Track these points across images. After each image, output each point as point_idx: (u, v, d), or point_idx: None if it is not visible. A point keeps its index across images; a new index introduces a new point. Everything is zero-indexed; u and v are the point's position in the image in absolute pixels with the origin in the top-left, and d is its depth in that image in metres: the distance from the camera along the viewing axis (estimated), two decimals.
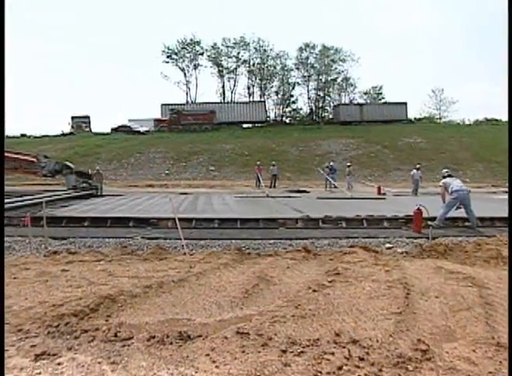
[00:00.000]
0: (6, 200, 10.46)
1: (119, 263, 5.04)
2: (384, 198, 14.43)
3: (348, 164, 22.34)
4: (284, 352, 2.63)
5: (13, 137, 40.43)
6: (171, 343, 2.76)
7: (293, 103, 53.49)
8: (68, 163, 16.69)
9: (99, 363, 2.50)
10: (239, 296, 3.74)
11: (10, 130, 42.11)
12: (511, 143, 6.83)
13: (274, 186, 21.93)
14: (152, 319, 3.18)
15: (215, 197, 14.77)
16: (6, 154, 16.68)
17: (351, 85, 54.27)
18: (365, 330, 2.97)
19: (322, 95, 53.07)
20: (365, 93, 55.83)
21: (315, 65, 51.43)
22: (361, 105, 45.07)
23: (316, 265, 5.13)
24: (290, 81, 52.40)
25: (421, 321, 3.13)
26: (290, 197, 15.59)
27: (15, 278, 4.35)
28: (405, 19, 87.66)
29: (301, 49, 51.38)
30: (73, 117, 44.07)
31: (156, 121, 42.58)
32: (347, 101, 52.29)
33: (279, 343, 2.75)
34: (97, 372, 2.38)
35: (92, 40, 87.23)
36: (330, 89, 53.37)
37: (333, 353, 2.59)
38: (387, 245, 6.48)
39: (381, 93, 55.97)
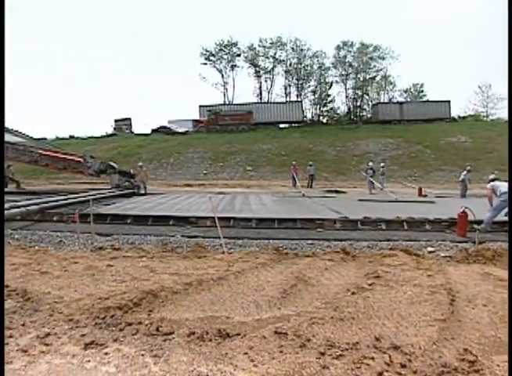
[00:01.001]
0: (57, 198, 11.11)
1: (160, 260, 5.20)
2: (433, 201, 13.41)
3: (382, 164, 21.66)
4: (323, 354, 2.61)
5: (63, 138, 42.83)
6: (211, 340, 2.81)
7: (331, 102, 52.72)
8: (112, 163, 17.43)
9: (142, 355, 2.60)
10: (277, 296, 3.75)
11: (60, 132, 44.70)
12: (511, 143, 6.66)
13: (311, 187, 21.73)
14: (192, 315, 3.26)
15: (252, 196, 14.85)
16: (56, 154, 17.74)
17: (391, 83, 52.74)
18: (406, 336, 2.88)
19: (360, 94, 51.91)
20: (406, 91, 54.08)
21: (352, 63, 50.38)
22: (401, 103, 43.48)
23: (355, 268, 5.03)
24: (327, 80, 51.70)
25: (468, 330, 2.99)
26: (327, 197, 15.38)
27: (66, 271, 4.63)
28: (448, 12, 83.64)
29: (338, 48, 50.54)
30: (116, 120, 46.12)
31: (195, 121, 43.48)
32: (386, 100, 50.82)
33: (318, 345, 2.74)
34: (140, 364, 2.48)
35: (133, 44, 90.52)
36: (369, 88, 52.04)
37: (373, 358, 2.53)
38: (430, 249, 6.24)
39: (422, 91, 54.04)
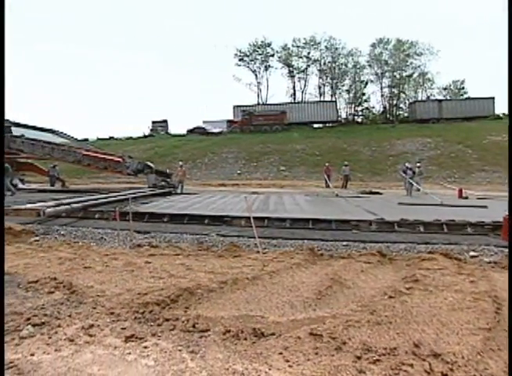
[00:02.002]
0: (99, 196, 11.60)
1: (196, 258, 5.31)
2: (485, 206, 11.60)
3: (418, 164, 20.86)
4: (359, 358, 2.56)
5: (103, 139, 44.66)
6: (246, 339, 2.84)
7: (366, 101, 51.62)
8: (149, 163, 17.96)
9: (180, 350, 2.66)
10: (312, 297, 3.72)
11: (100, 133, 46.77)
12: (511, 143, 6.27)
13: (345, 187, 21.36)
14: (227, 313, 3.30)
15: (286, 196, 14.81)
16: (97, 155, 18.53)
17: (429, 81, 50.80)
18: (448, 343, 2.77)
19: (396, 92, 50.40)
20: (445, 88, 51.90)
21: (388, 61, 48.99)
22: (440, 101, 41.73)
23: (392, 271, 4.90)
24: (362, 78, 50.65)
25: None
26: (362, 198, 15.06)
27: (107, 266, 4.83)
28: (493, 4, 79.39)
29: (373, 45, 49.36)
30: (153, 122, 47.59)
31: (229, 122, 43.97)
32: (424, 98, 48.99)
33: (354, 348, 2.69)
34: (178, 359, 2.54)
35: (170, 47, 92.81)
36: (405, 86, 50.41)
37: (411, 365, 2.45)
38: (472, 253, 5.95)
39: (463, 88, 51.67)
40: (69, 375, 2.32)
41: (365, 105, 51.81)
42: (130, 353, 2.61)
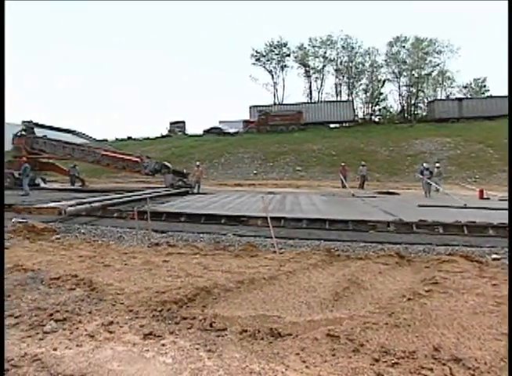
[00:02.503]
0: (117, 196, 11.80)
1: (213, 258, 5.35)
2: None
3: (437, 164, 20.43)
4: (377, 360, 2.52)
5: (121, 140, 45.41)
6: (262, 338, 2.84)
7: (383, 100, 50.83)
8: (166, 163, 18.18)
9: (197, 349, 2.68)
10: (329, 298, 3.69)
11: (118, 134, 47.68)
12: (511, 143, 6.15)
13: (362, 187, 21.12)
14: (244, 313, 3.31)
15: (302, 196, 14.75)
16: (116, 155, 18.86)
17: (449, 79, 49.58)
18: (469, 348, 2.70)
19: (414, 91, 49.42)
20: (465, 87, 50.55)
21: (406, 59, 48.12)
22: (460, 100, 40.70)
23: (411, 272, 4.82)
24: (379, 78, 49.90)
25: None
26: (379, 198, 14.87)
27: (125, 264, 4.91)
28: None
29: (390, 44, 48.52)
30: (171, 123, 48.16)
31: (245, 122, 44.04)
32: (443, 96, 47.86)
33: (372, 351, 2.65)
34: (195, 357, 2.56)
35: (187, 48, 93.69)
36: (424, 85, 49.40)
37: (431, 369, 2.41)
38: (494, 256, 5.80)
39: (485, 86, 50.27)
40: (90, 370, 2.36)
41: (383, 104, 51.12)
42: (148, 350, 2.65)
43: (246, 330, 2.94)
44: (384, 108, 51.30)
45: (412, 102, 50.17)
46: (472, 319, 3.22)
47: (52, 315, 3.17)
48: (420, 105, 50.09)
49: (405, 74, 48.98)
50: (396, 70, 49.09)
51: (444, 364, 2.46)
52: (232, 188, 21.59)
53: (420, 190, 18.27)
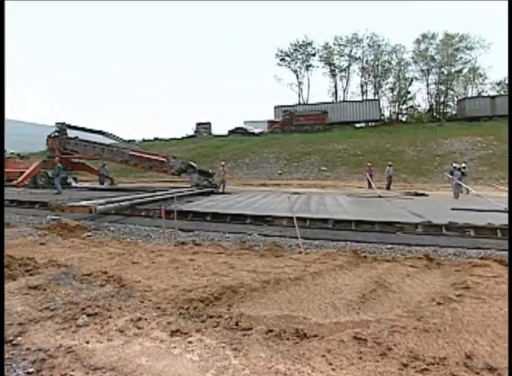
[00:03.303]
0: (145, 195, 12.07)
1: (238, 257, 5.37)
2: None
3: (463, 164, 19.71)
4: (405, 365, 2.46)
5: (148, 140, 46.44)
6: (288, 339, 2.83)
7: (411, 99, 49.80)
8: (192, 163, 18.44)
9: (223, 347, 2.70)
10: (356, 300, 3.64)
11: (146, 135, 48.91)
12: (511, 143, 5.81)
13: (389, 188, 20.68)
14: (269, 313, 3.31)
15: (328, 197, 14.61)
16: (143, 155, 19.31)
17: (480, 76, 47.88)
18: (504, 358, 2.57)
19: (443, 89, 48.01)
20: (498, 84, 48.46)
21: (435, 56, 46.76)
22: (493, 97, 39.05)
23: (440, 276, 4.68)
24: (406, 76, 48.88)
25: None
26: (406, 199, 14.52)
27: (153, 262, 5.01)
28: None
29: (418, 41, 47.39)
30: (197, 123, 48.90)
31: (270, 122, 44.09)
32: (474, 94, 46.14)
33: (400, 355, 2.59)
34: (221, 355, 2.58)
35: (214, 50, 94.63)
36: (454, 82, 47.87)
37: None
38: None
39: None
40: (120, 364, 2.43)
41: (410, 103, 50.05)
42: (175, 347, 2.69)
43: (271, 330, 2.94)
44: (412, 107, 50.13)
45: (442, 100, 48.75)
46: (507, 327, 3.09)
47: (84, 309, 3.28)
48: (450, 103, 48.66)
49: (433, 71, 47.64)
50: (424, 68, 47.88)
51: (477, 373, 2.37)
52: (256, 188, 21.64)
53: (450, 191, 17.71)
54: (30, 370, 2.34)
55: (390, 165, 21.35)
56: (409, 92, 49.31)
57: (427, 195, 17.23)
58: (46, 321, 3.06)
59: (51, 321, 3.07)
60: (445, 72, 47.00)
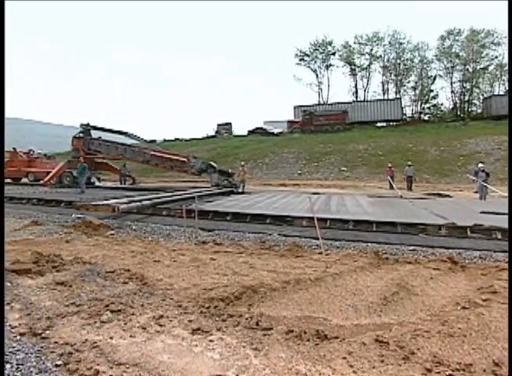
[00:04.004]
0: (166, 194, 12.25)
1: (258, 257, 5.39)
2: None
3: (480, 164, 19.12)
4: (429, 370, 2.41)
5: (169, 140, 47.10)
6: (308, 340, 2.82)
7: (434, 98, 48.56)
8: (212, 163, 18.58)
9: (244, 346, 2.71)
10: (377, 302, 3.59)
11: (166, 135, 49.77)
12: (511, 143, 5.38)
13: (410, 189, 20.26)
14: (290, 313, 3.31)
15: (348, 197, 14.44)
16: (164, 155, 19.58)
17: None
18: None
19: (468, 87, 46.59)
20: None
21: (460, 53, 45.43)
22: None
23: (465, 279, 4.55)
24: (429, 74, 47.71)
25: None
26: (429, 200, 14.19)
27: (174, 261, 5.09)
28: None
29: (442, 38, 46.14)
30: (218, 124, 49.33)
31: (290, 122, 43.98)
32: (501, 92, 44.54)
33: (423, 360, 2.53)
34: (242, 355, 2.60)
35: (232, 52, 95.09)
36: (479, 80, 46.40)
37: None
38: None
39: None
40: (142, 360, 2.48)
41: (433, 102, 48.83)
42: (197, 345, 2.72)
43: (292, 331, 2.94)
44: (435, 106, 48.93)
45: (466, 98, 47.36)
46: None
47: (108, 306, 3.37)
48: (475, 101, 47.20)
49: (458, 68, 46.38)
50: (448, 66, 46.66)
51: None
52: (276, 188, 21.62)
53: (474, 193, 17.23)
54: (58, 362, 2.42)
55: (409, 165, 20.92)
56: (431, 91, 48.21)
57: (450, 196, 16.81)
58: (72, 316, 3.16)
59: (77, 316, 3.16)
60: (470, 69, 45.65)
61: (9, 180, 25.50)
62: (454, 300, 3.73)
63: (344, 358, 2.56)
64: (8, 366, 2.37)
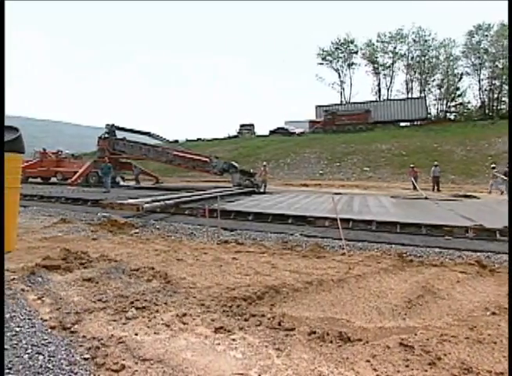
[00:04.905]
0: (189, 194, 12.41)
1: (280, 257, 5.38)
2: None
3: (493, 165, 18.30)
4: None
5: (191, 140, 47.67)
6: (331, 342, 2.79)
7: (460, 96, 47.10)
8: (234, 163, 18.68)
9: (266, 346, 2.71)
10: (402, 305, 3.53)
11: (189, 135, 50.46)
12: (511, 143, 5.18)
13: (438, 190, 19.71)
14: (312, 314, 3.29)
15: (371, 198, 14.23)
16: (186, 155, 19.83)
17: None
18: None
19: (497, 84, 44.92)
20: None
21: (489, 49, 43.86)
22: None
23: (494, 284, 4.41)
24: (455, 71, 46.27)
25: None
26: (455, 201, 13.79)
27: (197, 260, 5.15)
28: None
29: (470, 33, 44.64)
30: (241, 125, 49.64)
31: (311, 122, 43.74)
32: None
33: (450, 366, 2.45)
34: (264, 354, 2.60)
35: (254, 52, 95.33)
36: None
37: None
38: None
39: None
40: (166, 357, 2.52)
41: (460, 100, 47.35)
42: (219, 344, 2.74)
43: (314, 332, 2.92)
44: (461, 104, 47.43)
45: (495, 96, 45.69)
46: None
47: (133, 303, 3.44)
48: (505, 99, 45.43)
49: (486, 65, 44.83)
50: (476, 62, 45.16)
51: None
52: (297, 188, 21.54)
53: (503, 194, 16.62)
54: (86, 356, 2.50)
55: (436, 165, 20.38)
56: (458, 89, 46.81)
57: (477, 197, 16.29)
58: (99, 312, 3.25)
59: (103, 312, 3.25)
60: (500, 66, 44.01)
61: (39, 179, 26.46)
62: (483, 305, 3.62)
63: (368, 361, 2.53)
64: (40, 357, 2.46)
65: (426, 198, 14.59)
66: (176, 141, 38.60)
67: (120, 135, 22.22)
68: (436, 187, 19.91)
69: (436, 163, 20.78)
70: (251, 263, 4.97)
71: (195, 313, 3.28)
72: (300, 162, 31.09)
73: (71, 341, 2.71)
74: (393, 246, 6.24)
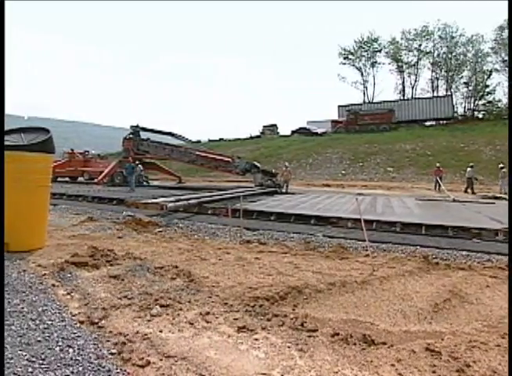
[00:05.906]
0: (211, 194, 12.51)
1: (303, 257, 5.36)
2: None
3: (501, 165, 17.42)
4: None
5: (214, 140, 48.07)
6: (355, 344, 2.76)
7: (489, 94, 45.17)
8: (256, 163, 18.71)
9: (289, 347, 2.71)
10: (428, 309, 3.45)
11: (211, 135, 50.95)
12: (511, 143, 4.77)
13: (472, 192, 18.72)
14: (335, 316, 3.26)
15: (394, 199, 13.95)
16: (209, 155, 20.01)
17: None
18: None
19: None
20: None
21: None
22: None
23: None
24: (484, 68, 44.53)
25: None
26: (483, 203, 13.33)
27: (220, 259, 5.19)
28: None
29: (501, 28, 42.74)
30: (264, 126, 49.70)
31: (333, 122, 43.31)
32: None
33: (480, 374, 2.35)
34: (287, 355, 2.60)
35: (277, 52, 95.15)
36: None
37: None
38: None
39: None
40: (190, 354, 2.56)
41: (489, 98, 45.44)
42: (242, 343, 2.76)
43: (337, 334, 2.89)
44: (490, 102, 45.53)
45: None
46: None
47: (157, 300, 3.51)
48: None
49: None
50: (507, 58, 43.41)
51: None
52: (319, 188, 21.37)
53: None
54: (113, 350, 2.57)
55: (471, 166, 19.36)
56: (487, 86, 45.04)
57: (507, 199, 15.69)
58: (125, 308, 3.33)
59: (129, 309, 3.32)
60: None
61: (67, 179, 27.30)
62: None
63: (393, 365, 2.48)
64: (70, 350, 2.55)
65: (454, 200, 14.17)
66: (198, 141, 39.04)
67: (144, 135, 22.63)
68: (470, 189, 18.93)
69: (471, 164, 19.83)
70: (274, 263, 4.97)
71: (218, 312, 3.31)
72: (322, 162, 30.82)
73: (99, 335, 2.79)
74: (418, 248, 6.10)
